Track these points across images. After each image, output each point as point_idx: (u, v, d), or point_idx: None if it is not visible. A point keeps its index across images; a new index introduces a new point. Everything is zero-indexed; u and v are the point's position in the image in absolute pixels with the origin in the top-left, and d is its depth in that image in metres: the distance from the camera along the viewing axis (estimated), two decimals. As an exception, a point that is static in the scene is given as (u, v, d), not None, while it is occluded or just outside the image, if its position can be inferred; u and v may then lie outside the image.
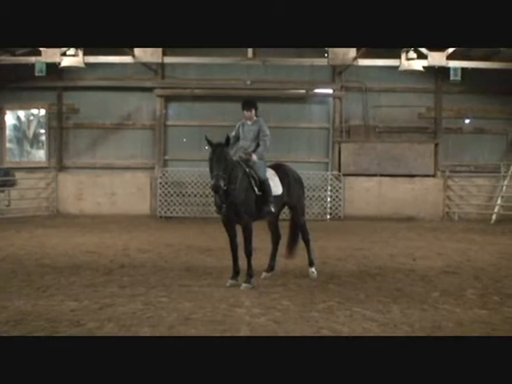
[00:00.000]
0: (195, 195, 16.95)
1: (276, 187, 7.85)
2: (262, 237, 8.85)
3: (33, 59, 16.21)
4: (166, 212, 16.96)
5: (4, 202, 16.82)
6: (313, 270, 8.24)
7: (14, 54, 17.33)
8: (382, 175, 17.12)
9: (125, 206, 17.11)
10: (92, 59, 15.93)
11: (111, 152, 17.89)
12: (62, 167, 17.92)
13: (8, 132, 18.30)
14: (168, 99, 17.94)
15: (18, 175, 16.97)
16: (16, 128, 18.33)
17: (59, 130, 18.04)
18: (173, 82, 17.80)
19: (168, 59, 16.62)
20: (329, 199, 16.87)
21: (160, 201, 16.96)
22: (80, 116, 17.99)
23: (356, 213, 16.65)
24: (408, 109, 17.59)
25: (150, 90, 17.65)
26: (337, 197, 16.83)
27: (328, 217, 16.78)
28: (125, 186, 17.28)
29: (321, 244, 11.30)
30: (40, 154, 18.18)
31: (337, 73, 17.47)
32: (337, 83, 17.55)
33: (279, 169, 8.28)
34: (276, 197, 7.79)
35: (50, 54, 15.57)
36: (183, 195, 17.05)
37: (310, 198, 16.55)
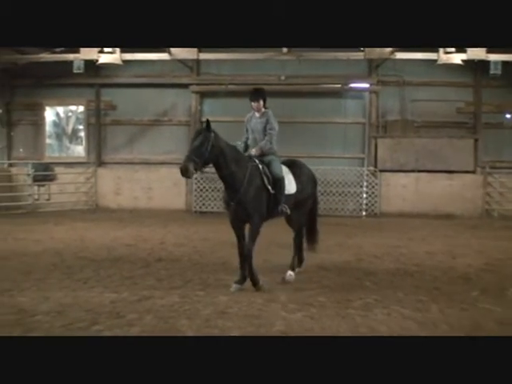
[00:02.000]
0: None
1: (290, 185, 7.41)
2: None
3: (71, 56, 16.50)
4: (201, 207, 17.09)
5: (44, 196, 17.19)
6: (291, 273, 7.66)
7: (52, 52, 17.65)
8: (419, 171, 16.86)
9: (161, 200, 17.31)
10: (129, 56, 16.13)
11: (148, 148, 18.11)
12: (100, 162, 18.23)
13: (47, 128, 18.70)
14: (203, 95, 18.07)
15: (58, 170, 17.35)
16: (55, 124, 18.70)
17: (97, 126, 18.36)
18: (208, 79, 17.92)
19: (203, 56, 16.71)
20: (364, 195, 16.73)
21: (195, 196, 17.09)
22: (117, 112, 18.26)
23: (392, 209, 16.47)
24: (446, 103, 17.27)
25: (185, 86, 17.81)
26: (373, 193, 16.68)
27: (363, 213, 16.63)
28: (161, 181, 17.47)
29: (356, 241, 11.26)
30: (79, 150, 18.52)
31: (373, 67, 17.29)
32: (373, 77, 17.37)
33: (293, 165, 7.82)
34: (289, 196, 7.36)
35: (87, 52, 15.83)
36: (218, 190, 17.10)
37: (346, 194, 16.48)
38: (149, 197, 17.45)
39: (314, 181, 8.09)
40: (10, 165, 18.33)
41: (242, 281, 6.99)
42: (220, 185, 17.07)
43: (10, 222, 13.45)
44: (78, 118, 18.61)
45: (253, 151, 7.26)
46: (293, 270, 7.66)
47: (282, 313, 5.92)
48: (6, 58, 16.57)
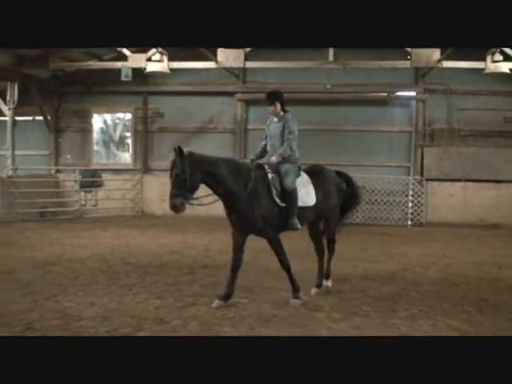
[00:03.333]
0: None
1: (308, 197, 6.81)
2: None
3: (119, 64, 16.83)
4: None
5: (91, 202, 17.52)
6: (328, 283, 7.33)
7: (101, 60, 18.09)
8: (466, 180, 16.52)
9: (205, 207, 17.31)
10: (176, 65, 16.33)
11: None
12: (146, 169, 18.50)
13: (95, 135, 19.09)
14: (248, 103, 18.14)
15: (105, 176, 17.66)
16: (103, 131, 19.08)
17: (144, 133, 18.67)
18: (253, 87, 17.96)
19: (250, 64, 16.76)
20: (410, 204, 16.46)
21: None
22: (164, 120, 18.52)
23: (439, 219, 16.14)
24: (493, 112, 16.85)
25: (231, 94, 17.94)
26: (418, 202, 16.39)
27: (409, 223, 16.37)
28: (206, 189, 17.50)
29: (402, 250, 11.10)
30: (126, 157, 18.85)
31: (420, 75, 17.06)
32: (420, 86, 17.15)
33: (317, 174, 7.19)
34: (306, 208, 6.79)
35: (135, 60, 16.11)
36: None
37: (391, 203, 16.26)
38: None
39: (340, 189, 7.41)
40: (58, 171, 18.78)
41: (226, 297, 6.52)
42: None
43: (57, 228, 13.75)
44: (125, 125, 18.95)
45: (273, 159, 6.76)
46: (327, 278, 7.35)
47: (327, 322, 5.88)
48: (55, 65, 17.00)
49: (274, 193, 6.54)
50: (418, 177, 16.71)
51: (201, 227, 14.64)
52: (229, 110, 18.19)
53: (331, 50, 15.84)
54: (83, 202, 17.19)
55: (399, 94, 17.41)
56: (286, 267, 6.68)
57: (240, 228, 6.66)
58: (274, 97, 6.96)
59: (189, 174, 6.13)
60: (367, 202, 16.07)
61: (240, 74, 17.87)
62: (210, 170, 6.33)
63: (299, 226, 6.71)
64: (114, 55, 17.75)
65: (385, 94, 17.38)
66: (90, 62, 17.83)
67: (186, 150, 6.26)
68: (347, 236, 8.40)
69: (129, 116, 18.87)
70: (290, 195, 6.60)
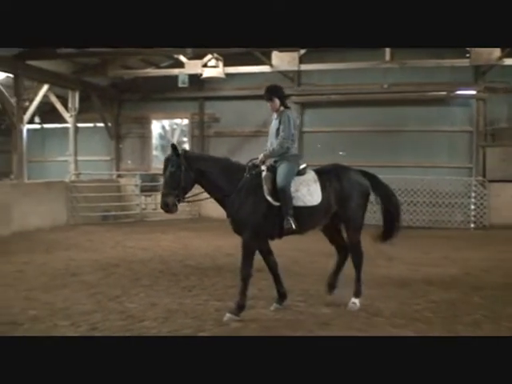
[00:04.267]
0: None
1: (310, 195, 6.37)
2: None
3: (176, 71, 17.10)
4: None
5: (151, 206, 17.85)
6: (355, 301, 6.63)
7: (158, 67, 18.45)
8: (531, 181, 15.95)
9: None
10: (232, 70, 16.46)
11: (248, 158, 18.31)
12: (203, 173, 18.70)
13: (154, 140, 19.50)
14: (304, 106, 18.11)
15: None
16: (161, 136, 19.45)
17: (201, 138, 18.91)
18: (309, 89, 17.96)
19: (304, 66, 16.73)
20: (472, 207, 15.99)
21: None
22: (220, 124, 18.71)
23: (503, 221, 15.58)
24: (558, 111, 16.30)
25: (286, 97, 17.92)
26: (481, 204, 15.91)
27: (472, 225, 15.89)
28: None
29: (464, 254, 10.81)
30: (183, 161, 19.11)
31: (480, 73, 16.60)
32: (480, 84, 16.67)
33: (328, 172, 6.70)
34: (308, 208, 6.36)
35: (192, 66, 16.32)
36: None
37: (453, 206, 15.86)
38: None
39: (361, 191, 6.78)
40: (119, 176, 19.24)
41: (281, 299, 6.53)
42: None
43: (119, 231, 14.08)
44: (182, 131, 19.27)
45: (260, 157, 6.49)
46: (356, 296, 6.67)
47: (388, 327, 5.79)
48: (114, 73, 17.43)
49: (266, 191, 6.26)
50: (480, 178, 16.23)
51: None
52: (284, 113, 18.17)
53: (388, 50, 15.60)
54: (143, 206, 17.54)
55: (459, 92, 16.98)
56: (243, 275, 6.22)
57: (233, 229, 6.41)
58: (271, 92, 6.65)
59: (183, 173, 6.05)
60: (428, 205, 15.76)
61: (295, 76, 17.87)
62: (204, 169, 6.19)
63: (293, 226, 6.20)
64: (170, 62, 18.08)
65: (444, 93, 17.00)
66: (148, 70, 18.21)
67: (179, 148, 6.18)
68: (407, 240, 8.25)
69: (186, 121, 19.17)
70: (280, 192, 6.24)
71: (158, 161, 19.21)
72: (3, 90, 14.56)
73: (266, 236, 6.41)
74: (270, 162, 6.53)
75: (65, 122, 17.71)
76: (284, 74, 17.37)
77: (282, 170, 6.37)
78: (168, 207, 6.08)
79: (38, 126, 19.99)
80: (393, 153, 17.06)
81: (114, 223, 15.28)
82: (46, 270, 8.98)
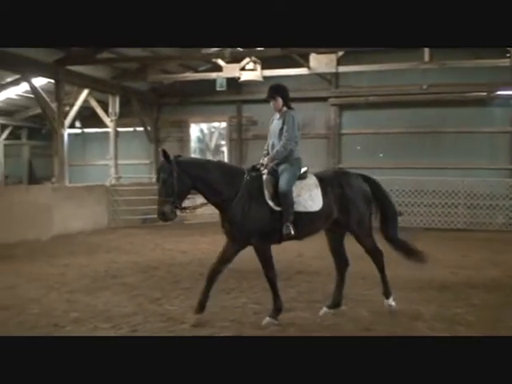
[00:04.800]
0: (370, 203, 16.77)
1: (312, 201, 6.17)
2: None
3: (214, 75, 17.22)
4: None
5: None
6: (389, 302, 6.54)
7: (196, 71, 18.62)
8: None
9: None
10: (269, 73, 16.47)
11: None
12: (240, 176, 18.79)
13: (192, 144, 19.71)
14: (342, 108, 18.05)
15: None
16: (199, 140, 19.68)
17: (239, 141, 19.00)
18: (347, 91, 17.89)
19: (342, 68, 16.64)
20: (515, 209, 15.66)
21: (334, 209, 16.99)
22: (258, 127, 18.72)
23: (546, 223, 15.26)
24: None
25: (324, 99, 17.92)
26: (524, 206, 15.58)
27: (513, 227, 15.58)
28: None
29: (506, 257, 10.60)
30: (220, 164, 19.27)
31: (521, 73, 16.28)
32: (521, 84, 16.34)
33: (329, 177, 6.51)
34: (309, 214, 6.16)
35: (230, 70, 16.40)
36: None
37: (494, 208, 15.54)
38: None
39: (365, 197, 6.54)
40: (159, 179, 19.43)
41: (199, 310, 6.17)
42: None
43: (158, 233, 14.23)
44: (220, 134, 19.42)
45: (264, 160, 6.29)
46: (387, 297, 6.56)
47: (429, 332, 5.71)
48: (154, 77, 17.66)
49: (267, 195, 6.06)
50: (522, 179, 15.89)
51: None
52: (322, 115, 18.15)
53: (426, 50, 15.39)
54: (181, 209, 17.66)
55: (499, 93, 16.63)
56: (270, 279, 6.17)
57: (232, 236, 6.20)
58: (274, 91, 6.44)
59: (176, 179, 5.80)
60: (469, 207, 15.49)
61: (332, 78, 17.82)
62: (199, 174, 5.97)
63: (292, 233, 6.03)
64: (208, 66, 18.24)
65: (484, 94, 16.69)
66: (187, 74, 18.40)
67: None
68: (446, 242, 8.13)
69: (224, 124, 19.30)
70: (282, 197, 6.02)
71: (196, 164, 19.41)
72: (44, 96, 14.91)
73: (270, 242, 6.22)
74: (270, 165, 6.30)
75: (105, 126, 18.02)
76: (321, 76, 17.31)
77: (284, 173, 6.18)
78: (164, 216, 5.83)
79: (78, 131, 20.39)
80: (432, 154, 16.83)
81: (153, 226, 15.43)
82: (87, 273, 9.15)
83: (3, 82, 16.34)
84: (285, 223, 6.00)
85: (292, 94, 18.71)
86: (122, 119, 18.06)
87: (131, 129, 19.83)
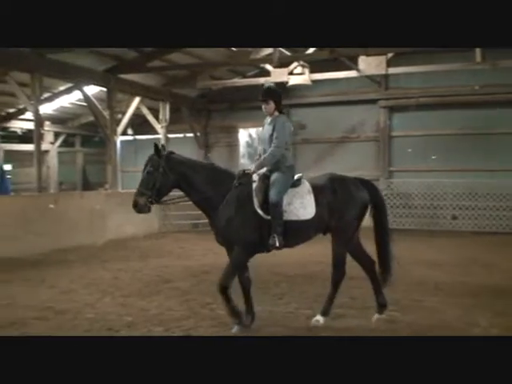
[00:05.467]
0: (422, 207, 16.50)
1: (304, 209, 5.92)
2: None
3: (262, 80, 17.22)
4: (391, 224, 16.68)
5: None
6: (319, 318, 6.18)
7: (244, 76, 18.73)
8: None
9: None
10: (318, 76, 16.42)
11: (336, 165, 18.12)
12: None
13: (241, 149, 19.81)
14: (392, 110, 17.83)
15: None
16: (248, 145, 19.73)
17: (287, 145, 18.96)
18: (396, 93, 17.65)
19: (392, 70, 16.42)
20: None
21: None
22: (307, 131, 18.70)
23: None
24: None
25: (373, 102, 17.74)
26: None
27: None
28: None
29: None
30: (269, 169, 19.29)
31: None
32: None
33: (322, 182, 6.19)
34: (300, 223, 5.92)
35: (278, 74, 16.41)
36: (409, 207, 16.70)
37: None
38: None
39: (355, 202, 6.19)
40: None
41: (240, 320, 5.99)
42: (411, 201, 16.74)
43: (208, 238, 14.20)
44: (269, 138, 19.43)
45: (252, 167, 6.03)
46: (324, 314, 6.21)
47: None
48: (203, 84, 17.84)
49: (256, 203, 5.83)
50: None
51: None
52: (371, 117, 17.97)
53: (478, 50, 15.03)
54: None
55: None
56: (222, 286, 5.89)
57: (217, 240, 6.08)
58: (266, 93, 6.16)
59: (161, 174, 5.74)
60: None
61: (382, 80, 17.62)
62: (186, 174, 5.85)
63: (277, 244, 5.78)
64: (256, 71, 18.32)
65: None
66: (235, 80, 18.52)
67: (168, 149, 6.05)
68: (502, 247, 7.88)
69: (272, 129, 19.31)
70: (272, 208, 5.77)
71: (245, 169, 19.49)
72: (97, 104, 15.26)
73: (255, 251, 6.02)
74: (262, 171, 6.07)
75: (156, 132, 18.30)
76: (371, 78, 17.13)
77: (275, 182, 5.93)
78: (137, 207, 5.85)
79: (130, 138, 20.79)
80: (485, 157, 16.41)
81: (204, 231, 15.54)
82: (140, 277, 9.30)
83: (56, 91, 16.78)
84: (272, 234, 5.79)
85: (341, 97, 18.69)
86: (172, 125, 18.32)
87: (181, 135, 20.08)
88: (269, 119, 6.24)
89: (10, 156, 19.53)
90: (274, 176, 5.99)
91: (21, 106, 17.19)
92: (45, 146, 18.01)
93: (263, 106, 6.19)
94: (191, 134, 19.73)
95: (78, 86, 15.13)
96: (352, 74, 16.21)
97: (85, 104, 15.98)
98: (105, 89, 15.52)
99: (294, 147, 18.83)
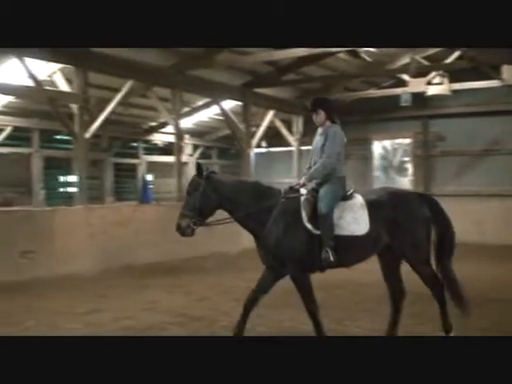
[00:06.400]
0: None
1: (356, 224, 5.63)
2: None
3: (399, 90, 16.85)
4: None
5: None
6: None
7: (380, 87, 18.39)
8: None
9: (492, 235, 16.16)
10: (458, 86, 15.75)
11: (477, 179, 17.28)
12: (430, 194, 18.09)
13: (375, 161, 19.42)
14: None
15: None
16: (382, 157, 19.30)
17: (425, 157, 18.33)
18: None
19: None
20: None
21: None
22: (446, 143, 17.94)
23: None
24: None
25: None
26: None
27: None
28: (493, 214, 16.37)
29: None
30: (404, 182, 18.73)
31: None
32: None
33: (381, 198, 5.87)
34: (354, 238, 5.62)
35: (415, 84, 15.96)
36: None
37: None
38: (480, 231, 16.35)
39: (421, 219, 5.86)
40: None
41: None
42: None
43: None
44: (404, 151, 18.90)
45: (302, 180, 5.86)
46: (447, 332, 5.92)
47: None
48: (337, 95, 17.74)
49: (305, 218, 5.59)
50: None
51: (487, 256, 13.68)
52: (515, 129, 16.87)
53: None
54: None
55: None
56: (311, 313, 5.73)
57: (266, 261, 5.84)
58: (315, 103, 6.06)
59: (201, 194, 5.56)
60: None
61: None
62: (228, 193, 5.66)
63: (331, 258, 5.52)
64: (393, 81, 17.91)
65: None
66: (370, 91, 18.25)
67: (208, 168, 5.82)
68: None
69: (408, 141, 18.77)
70: (321, 220, 5.52)
71: (378, 181, 19.08)
72: (233, 117, 15.71)
73: (307, 269, 5.79)
74: (311, 184, 5.87)
75: (289, 145, 18.47)
76: (514, 87, 16.10)
77: (324, 193, 5.72)
78: (180, 230, 5.69)
79: (264, 150, 21.15)
80: None
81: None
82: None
83: (195, 105, 17.50)
84: (324, 248, 5.54)
85: (482, 108, 17.86)
86: (305, 138, 18.36)
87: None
88: (320, 130, 6.13)
89: (151, 167, 20.60)
90: (324, 188, 5.80)
91: (162, 120, 18.06)
92: (184, 158, 18.81)
93: (313, 117, 6.10)
94: (324, 147, 19.66)
95: (216, 101, 15.68)
96: (494, 83, 15.36)
97: (222, 118, 16.52)
98: (241, 103, 15.95)
99: (432, 160, 18.22)
